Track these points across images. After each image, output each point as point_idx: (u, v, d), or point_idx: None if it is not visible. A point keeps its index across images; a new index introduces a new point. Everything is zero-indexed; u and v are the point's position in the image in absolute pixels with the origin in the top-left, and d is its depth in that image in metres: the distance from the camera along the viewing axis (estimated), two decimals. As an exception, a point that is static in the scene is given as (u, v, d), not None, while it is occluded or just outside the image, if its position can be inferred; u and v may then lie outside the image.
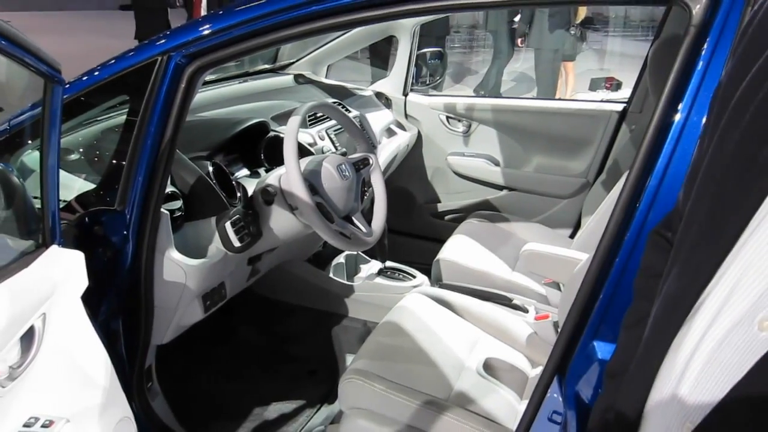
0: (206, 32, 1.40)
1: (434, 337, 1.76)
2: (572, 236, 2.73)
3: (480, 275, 2.23)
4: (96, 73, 1.47)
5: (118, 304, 1.55)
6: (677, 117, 1.06)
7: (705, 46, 1.08)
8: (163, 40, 1.41)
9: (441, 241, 2.48)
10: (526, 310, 2.08)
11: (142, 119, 1.41)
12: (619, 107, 2.65)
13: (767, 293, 0.52)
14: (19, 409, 1.12)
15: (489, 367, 1.71)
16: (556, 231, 2.68)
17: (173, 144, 1.44)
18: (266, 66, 2.85)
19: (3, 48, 0.99)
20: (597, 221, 2.04)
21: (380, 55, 3.43)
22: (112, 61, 1.46)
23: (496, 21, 7.25)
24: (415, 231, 3.05)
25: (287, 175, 1.58)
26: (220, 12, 1.44)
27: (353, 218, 1.79)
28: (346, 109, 2.46)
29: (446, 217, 3.06)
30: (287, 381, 2.16)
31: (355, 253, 2.45)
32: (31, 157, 1.69)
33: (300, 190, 1.56)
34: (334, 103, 2.50)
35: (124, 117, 1.76)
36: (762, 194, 0.55)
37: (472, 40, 10.86)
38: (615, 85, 8.57)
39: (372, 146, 1.97)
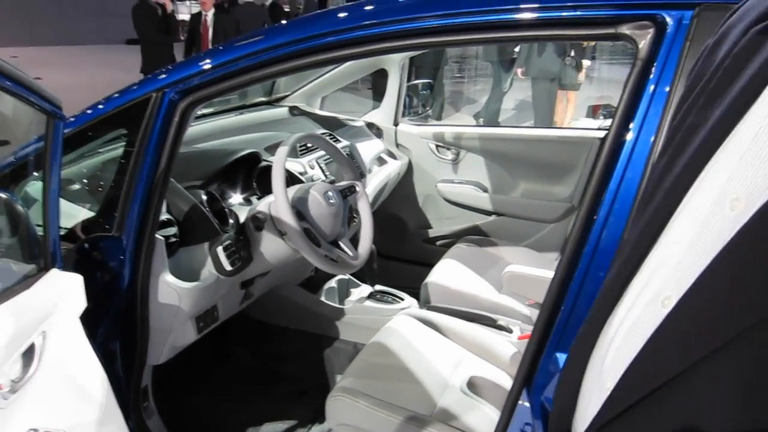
0: (196, 71, 1.50)
1: (420, 357, 1.83)
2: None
3: (467, 298, 2.31)
4: (99, 107, 1.58)
5: (115, 326, 1.63)
6: (628, 137, 1.14)
7: (651, 76, 1.16)
8: (157, 78, 1.53)
9: (431, 266, 2.56)
10: (510, 331, 2.15)
11: (138, 151, 1.51)
12: (601, 134, 2.74)
13: (670, 278, 0.61)
14: (20, 421, 1.20)
15: (473, 385, 1.78)
16: (543, 254, 2.76)
17: (167, 174, 1.54)
18: (262, 99, 2.97)
19: (7, 87, 1.09)
20: None
21: (377, 86, 3.57)
22: (116, 95, 1.57)
23: (494, 52, 7.41)
24: (407, 256, 3.14)
25: (275, 202, 1.68)
26: (208, 52, 1.56)
27: (340, 243, 1.87)
28: (336, 140, 2.57)
29: (437, 243, 3.14)
30: (279, 401, 2.23)
31: (347, 277, 2.53)
32: (34, 187, 1.80)
33: (287, 216, 1.66)
34: (324, 133, 2.61)
35: (122, 149, 1.87)
36: (675, 199, 0.64)
37: (472, 70, 11.04)
38: (611, 112, 8.72)
39: (360, 174, 2.07)
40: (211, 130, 2.42)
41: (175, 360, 1.81)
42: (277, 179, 1.68)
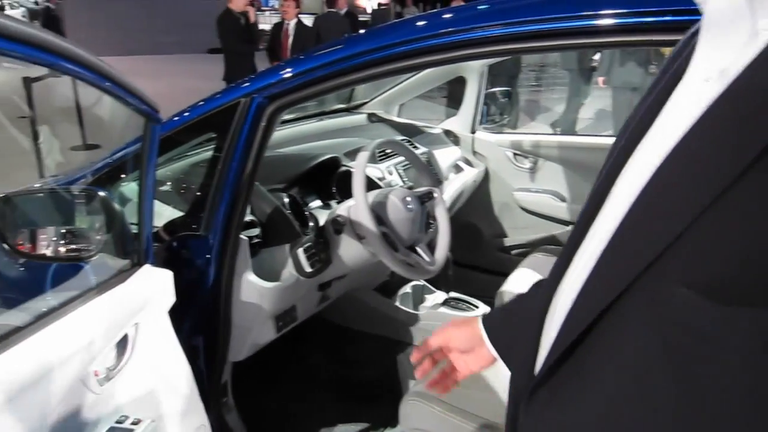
0: (283, 77, 1.55)
1: (495, 364, 1.82)
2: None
3: None
4: (186, 114, 1.66)
5: (199, 322, 1.70)
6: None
7: None
8: (245, 84, 1.58)
9: (506, 275, 2.53)
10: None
11: (226, 154, 1.57)
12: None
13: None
14: (113, 406, 1.27)
15: None
16: None
17: (253, 177, 1.60)
18: (341, 105, 3.03)
19: (112, 90, 1.16)
20: None
21: (453, 94, 3.58)
22: (201, 103, 1.64)
23: (573, 60, 7.26)
24: (482, 264, 3.12)
25: (355, 206, 1.71)
26: (294, 59, 1.61)
27: (417, 248, 1.89)
28: (414, 146, 2.59)
29: (512, 252, 3.11)
30: (352, 404, 2.26)
31: (421, 283, 2.54)
32: (127, 187, 1.90)
33: (367, 220, 1.68)
34: (403, 140, 2.63)
35: (209, 153, 1.95)
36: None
37: (549, 79, 10.88)
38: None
39: (437, 181, 2.08)
40: (292, 135, 2.49)
41: (252, 359, 1.86)
42: (358, 183, 1.71)
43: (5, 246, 1.43)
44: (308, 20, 7.77)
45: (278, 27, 7.21)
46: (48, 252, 1.44)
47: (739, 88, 0.51)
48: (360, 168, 1.73)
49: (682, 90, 0.61)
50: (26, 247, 1.41)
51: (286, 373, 2.31)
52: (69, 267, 1.58)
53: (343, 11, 8.04)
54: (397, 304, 2.42)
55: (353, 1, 15.79)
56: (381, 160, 2.43)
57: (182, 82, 10.66)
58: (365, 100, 3.10)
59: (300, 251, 1.74)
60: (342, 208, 1.85)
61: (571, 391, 0.66)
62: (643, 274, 0.56)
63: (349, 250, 1.84)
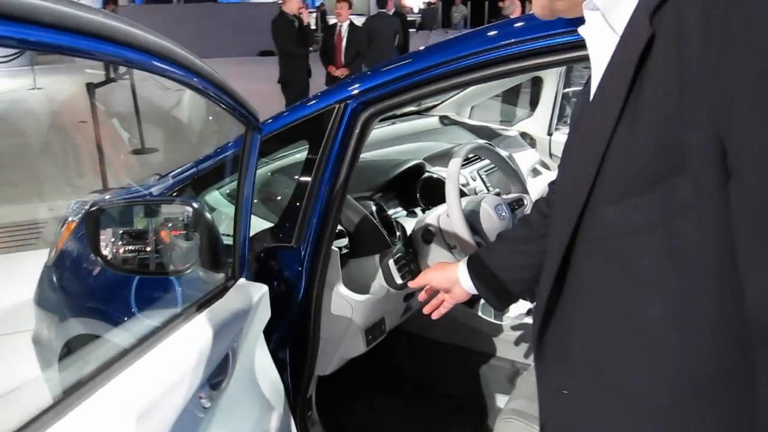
0: (378, 82, 1.49)
1: None
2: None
3: None
4: (277, 120, 1.60)
5: (288, 335, 1.64)
6: None
7: None
8: (339, 89, 1.52)
9: None
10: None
11: (319, 162, 1.51)
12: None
13: None
14: (216, 426, 1.22)
15: None
16: None
17: (345, 187, 1.53)
18: (412, 108, 2.95)
19: (217, 95, 1.11)
20: None
21: (517, 94, 3.48)
22: (288, 112, 1.59)
23: None
24: None
25: (451, 216, 1.63)
26: (390, 63, 1.54)
27: None
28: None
29: None
30: (434, 416, 2.18)
31: (502, 292, 2.45)
32: (211, 196, 1.86)
33: (462, 231, 1.61)
34: (487, 144, 2.54)
35: (289, 160, 1.89)
36: None
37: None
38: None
39: (525, 187, 1.99)
40: (367, 141, 2.42)
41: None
42: (452, 192, 1.63)
43: (99, 258, 1.40)
44: (357, 21, 7.73)
45: (331, 29, 7.20)
46: (141, 265, 1.41)
47: (621, 41, 0.70)
48: (454, 176, 1.66)
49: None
50: (119, 259, 1.39)
51: (365, 384, 2.24)
52: (161, 282, 1.56)
53: (391, 12, 7.97)
54: (479, 313, 2.33)
55: (400, 1, 15.73)
56: (463, 165, 2.34)
57: (235, 83, 10.75)
58: (436, 102, 3.01)
59: (391, 262, 1.68)
60: (431, 217, 1.78)
61: (565, 327, 0.84)
62: (587, 206, 0.73)
63: (439, 260, 1.76)
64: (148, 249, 1.40)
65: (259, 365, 1.41)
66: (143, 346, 1.05)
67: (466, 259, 1.36)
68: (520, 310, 2.36)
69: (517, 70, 1.36)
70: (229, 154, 1.68)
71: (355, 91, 1.50)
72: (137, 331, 1.17)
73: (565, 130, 3.07)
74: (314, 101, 1.55)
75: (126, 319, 1.59)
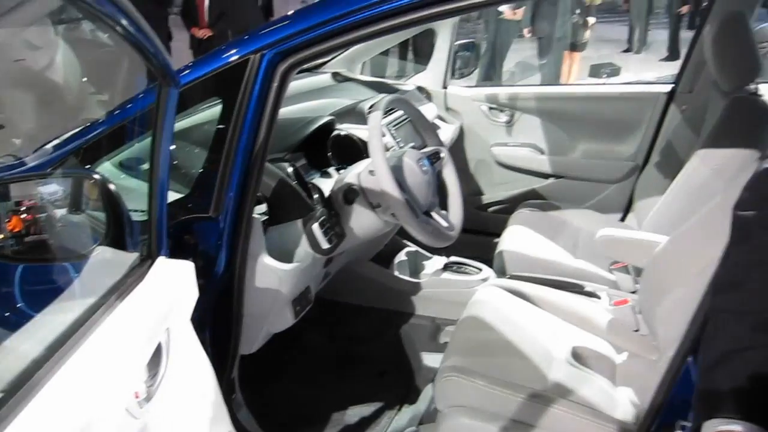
0: (296, 29, 1.36)
1: (518, 329, 1.74)
2: (622, 219, 2.71)
3: (545, 264, 2.21)
4: (183, 75, 1.42)
5: (209, 314, 1.50)
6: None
7: None
8: (253, 38, 1.37)
9: (488, 234, 2.44)
10: (598, 297, 2.05)
11: (235, 122, 1.36)
12: (667, 88, 2.62)
13: None
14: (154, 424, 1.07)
15: (578, 356, 1.69)
16: (609, 216, 2.65)
17: (266, 147, 1.40)
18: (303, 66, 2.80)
19: (133, 36, 0.94)
20: (668, 204, 2.01)
21: (406, 48, 3.41)
22: (202, 62, 1.42)
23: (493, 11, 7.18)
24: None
25: (378, 172, 1.55)
26: (308, 9, 1.40)
27: (432, 213, 1.75)
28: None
29: (491, 209, 3.02)
30: (360, 383, 2.12)
31: (414, 249, 2.41)
32: (102, 167, 1.64)
33: (391, 187, 1.53)
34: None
35: (193, 119, 1.72)
36: None
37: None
38: (613, 70, 8.64)
39: (440, 140, 1.94)
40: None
41: None
42: (376, 148, 1.55)
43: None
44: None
45: (192, -12, 6.73)
46: (37, 251, 1.21)
47: None
48: (376, 131, 1.57)
49: None
50: (10, 247, 1.18)
51: (284, 358, 2.14)
52: (62, 269, 1.35)
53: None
54: (396, 273, 2.28)
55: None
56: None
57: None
58: (325, 59, 2.88)
59: (315, 226, 1.58)
60: (352, 176, 1.69)
61: None
62: None
63: (363, 221, 1.69)
64: (39, 232, 1.20)
65: (191, 351, 1.26)
66: (62, 351, 0.87)
67: None
68: (435, 265, 2.34)
69: (444, 12, 1.29)
70: (128, 116, 1.48)
71: (271, 41, 1.35)
72: (47, 336, 0.97)
73: (460, 83, 3.06)
74: (225, 53, 1.38)
75: (25, 322, 1.37)
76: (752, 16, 2.25)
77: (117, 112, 1.52)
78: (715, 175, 1.78)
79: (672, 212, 1.95)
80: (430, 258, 2.39)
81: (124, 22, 0.90)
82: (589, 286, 2.10)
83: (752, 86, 1.92)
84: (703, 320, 1.14)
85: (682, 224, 1.66)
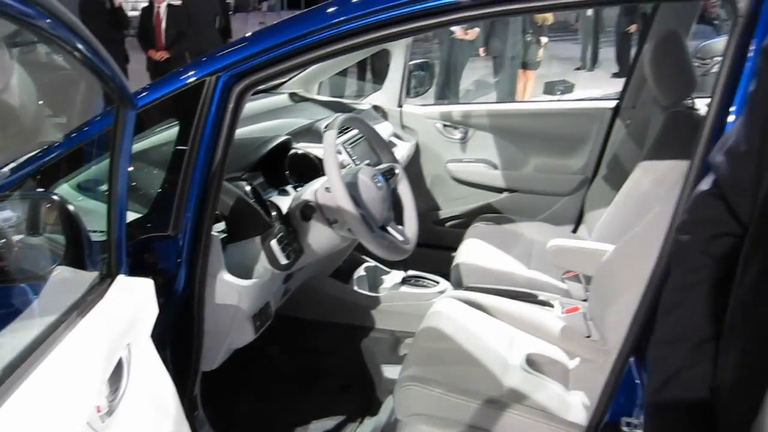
0: (251, 52, 1.40)
1: (474, 338, 1.79)
2: (574, 231, 2.80)
3: (500, 275, 2.27)
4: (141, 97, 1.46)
5: (170, 332, 1.52)
6: (733, 110, 1.10)
7: (754, 34, 1.11)
8: (209, 61, 1.41)
9: (445, 248, 2.50)
10: (551, 305, 2.12)
11: (192, 142, 1.40)
12: (612, 104, 2.73)
13: None
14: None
15: (532, 363, 1.75)
16: (561, 228, 2.74)
17: (223, 167, 1.44)
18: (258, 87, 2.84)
19: (93, 62, 0.97)
20: (614, 214, 2.10)
21: (372, 68, 3.49)
22: (159, 84, 1.45)
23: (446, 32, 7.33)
24: (419, 240, 3.08)
25: (333, 189, 1.59)
26: (262, 32, 1.45)
27: (388, 228, 1.81)
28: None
29: (447, 224, 3.09)
30: (323, 397, 2.14)
31: (373, 264, 2.46)
32: (60, 189, 1.66)
33: (346, 203, 1.57)
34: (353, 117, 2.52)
35: (149, 141, 1.74)
36: None
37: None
38: (567, 87, 8.88)
39: (395, 157, 2.00)
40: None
41: None
42: (332, 165, 1.59)
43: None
44: (175, 1, 7.31)
45: (148, 11, 6.72)
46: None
47: None
48: (331, 148, 1.62)
49: None
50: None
51: (247, 374, 2.15)
52: (21, 291, 1.36)
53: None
54: (355, 288, 2.32)
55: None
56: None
57: (39, 75, 9.79)
58: (283, 80, 2.93)
59: (273, 242, 1.61)
60: (308, 193, 1.73)
61: None
62: None
63: (320, 237, 1.73)
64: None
65: (152, 366, 1.28)
66: (23, 367, 0.89)
67: None
68: (394, 279, 2.39)
69: (397, 34, 1.35)
70: (86, 138, 1.50)
71: (226, 63, 1.40)
72: (7, 354, 0.98)
73: (416, 101, 3.14)
74: (182, 75, 1.42)
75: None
76: (688, 35, 2.38)
77: (74, 134, 1.54)
78: (655, 185, 1.87)
79: (618, 222, 2.04)
80: (388, 272, 2.45)
81: (80, 45, 0.93)
82: (542, 296, 2.18)
83: (689, 101, 2.02)
84: (643, 321, 1.21)
85: (626, 233, 1.74)
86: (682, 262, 0.89)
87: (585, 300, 2.07)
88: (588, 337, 1.90)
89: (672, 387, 0.82)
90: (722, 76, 1.11)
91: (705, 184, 0.87)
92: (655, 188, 1.85)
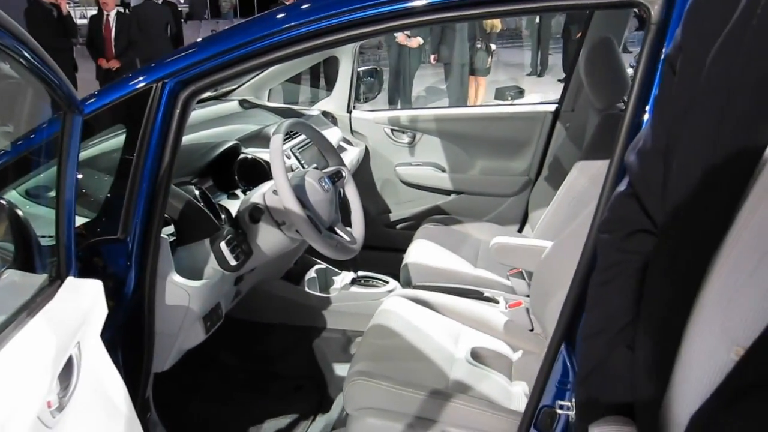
0: (196, 59, 1.44)
1: (421, 334, 1.85)
2: (520, 230, 2.90)
3: (448, 274, 2.35)
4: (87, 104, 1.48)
5: (120, 334, 1.54)
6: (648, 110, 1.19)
7: (665, 41, 1.21)
8: (155, 68, 1.45)
9: (396, 250, 2.56)
10: (496, 301, 2.21)
11: (140, 148, 1.43)
12: (552, 108, 2.84)
13: None
14: (67, 438, 1.12)
15: (476, 356, 1.82)
16: (506, 227, 2.84)
17: (171, 171, 1.47)
18: (209, 94, 2.87)
19: (36, 68, 1.00)
20: (553, 212, 2.20)
21: (322, 75, 3.53)
22: (107, 91, 1.48)
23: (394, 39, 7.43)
24: (370, 242, 3.13)
25: (280, 192, 1.64)
26: (208, 39, 1.49)
27: (336, 228, 1.86)
28: None
29: (398, 226, 3.16)
30: (276, 399, 2.18)
31: (324, 266, 2.51)
32: (9, 196, 1.67)
33: (293, 205, 1.62)
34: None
35: (96, 148, 1.77)
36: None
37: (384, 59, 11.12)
38: (517, 92, 9.06)
39: (342, 161, 2.05)
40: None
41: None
42: (278, 168, 1.64)
43: None
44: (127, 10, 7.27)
45: (97, 19, 6.65)
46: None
47: None
48: (277, 152, 1.67)
49: None
50: None
51: (199, 378, 2.17)
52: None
53: (160, 1, 7.58)
54: (306, 289, 2.37)
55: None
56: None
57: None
58: (232, 87, 2.96)
59: (222, 244, 1.65)
60: (257, 196, 1.77)
61: None
62: None
63: (269, 238, 1.77)
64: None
65: (103, 367, 1.31)
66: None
67: None
68: (344, 280, 2.44)
69: (341, 40, 1.40)
70: (33, 145, 1.52)
71: (172, 70, 1.44)
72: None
73: (365, 107, 3.20)
74: (130, 81, 1.45)
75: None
76: (621, 41, 2.50)
77: (21, 142, 1.56)
78: (591, 184, 1.96)
79: (557, 220, 2.14)
80: (338, 274, 2.50)
81: (26, 53, 0.96)
82: (487, 292, 2.26)
83: (621, 104, 2.13)
84: (571, 311, 1.29)
85: (564, 230, 1.83)
86: (601, 259, 0.93)
87: (528, 296, 2.16)
88: (531, 330, 1.99)
89: (594, 377, 0.87)
90: (638, 79, 1.19)
91: (622, 185, 0.92)
92: (590, 187, 1.95)
